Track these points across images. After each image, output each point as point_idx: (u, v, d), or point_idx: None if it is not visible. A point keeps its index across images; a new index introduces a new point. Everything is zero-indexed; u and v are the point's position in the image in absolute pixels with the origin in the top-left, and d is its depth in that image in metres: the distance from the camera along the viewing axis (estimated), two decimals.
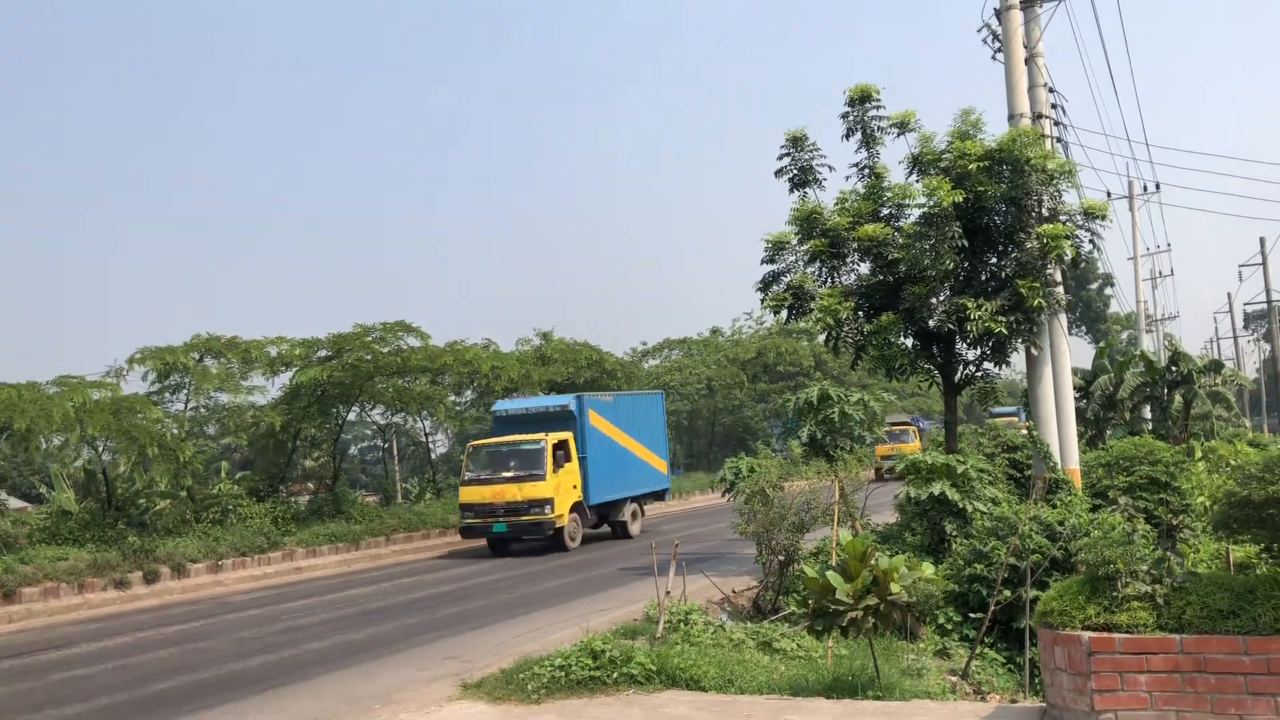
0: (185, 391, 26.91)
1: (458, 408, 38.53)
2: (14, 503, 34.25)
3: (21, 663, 13.66)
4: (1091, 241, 17.30)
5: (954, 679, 11.24)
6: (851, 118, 17.72)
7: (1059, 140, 19.66)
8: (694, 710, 8.15)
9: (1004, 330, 16.07)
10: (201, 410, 29.58)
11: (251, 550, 22.69)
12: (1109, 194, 40.91)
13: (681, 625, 11.12)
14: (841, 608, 8.57)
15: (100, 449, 23.40)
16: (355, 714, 9.06)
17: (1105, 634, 6.45)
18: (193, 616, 17.07)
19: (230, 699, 10.46)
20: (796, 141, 17.95)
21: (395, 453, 46.47)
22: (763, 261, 17.90)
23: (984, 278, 16.96)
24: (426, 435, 41.14)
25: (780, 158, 18.06)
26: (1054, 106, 19.63)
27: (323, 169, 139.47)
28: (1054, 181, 16.72)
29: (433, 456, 43.27)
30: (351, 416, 32.86)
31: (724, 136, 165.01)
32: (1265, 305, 57.10)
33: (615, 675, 9.15)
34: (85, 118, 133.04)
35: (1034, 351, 17.35)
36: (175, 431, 24.48)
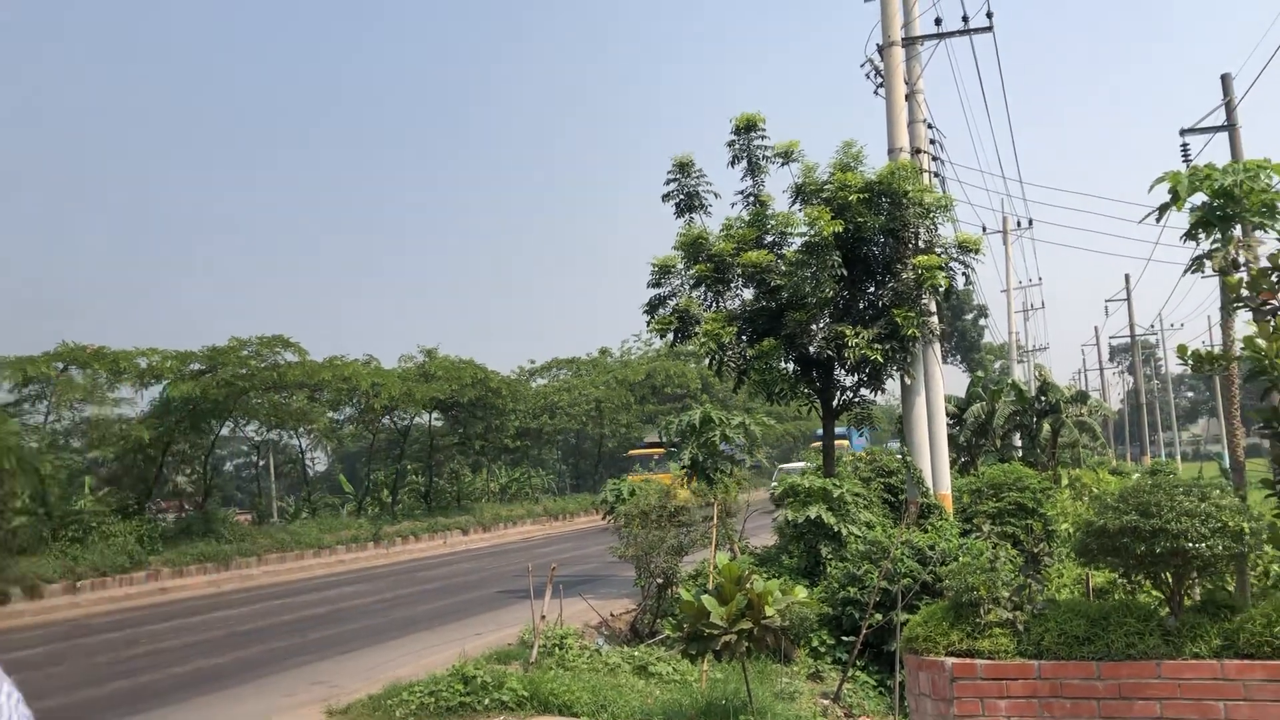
0: (47, 402, 25.72)
1: (336, 425, 37.72)
2: None
3: None
4: (965, 274, 17.85)
5: (826, 702, 11.37)
6: (737, 146, 17.96)
7: (936, 175, 20.25)
8: None
9: (880, 358, 16.43)
10: (65, 422, 28.31)
11: (113, 570, 21.76)
12: (984, 228, 42.50)
13: (557, 649, 11.01)
14: (716, 631, 8.57)
15: None
16: None
17: (968, 660, 6.61)
18: (44, 640, 16.24)
19: None
20: (683, 167, 18.10)
21: (271, 470, 45.27)
22: (649, 284, 17.99)
23: (862, 306, 17.34)
24: (303, 453, 40.13)
25: (668, 183, 18.20)
26: (933, 142, 20.24)
27: (202, 176, 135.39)
28: (930, 215, 17.21)
29: (310, 475, 42.21)
30: (225, 432, 31.85)
31: (619, 158, 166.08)
32: (1129, 339, 59.87)
33: (487, 701, 9.00)
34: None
35: (908, 380, 17.77)
36: (35, 445, 23.36)
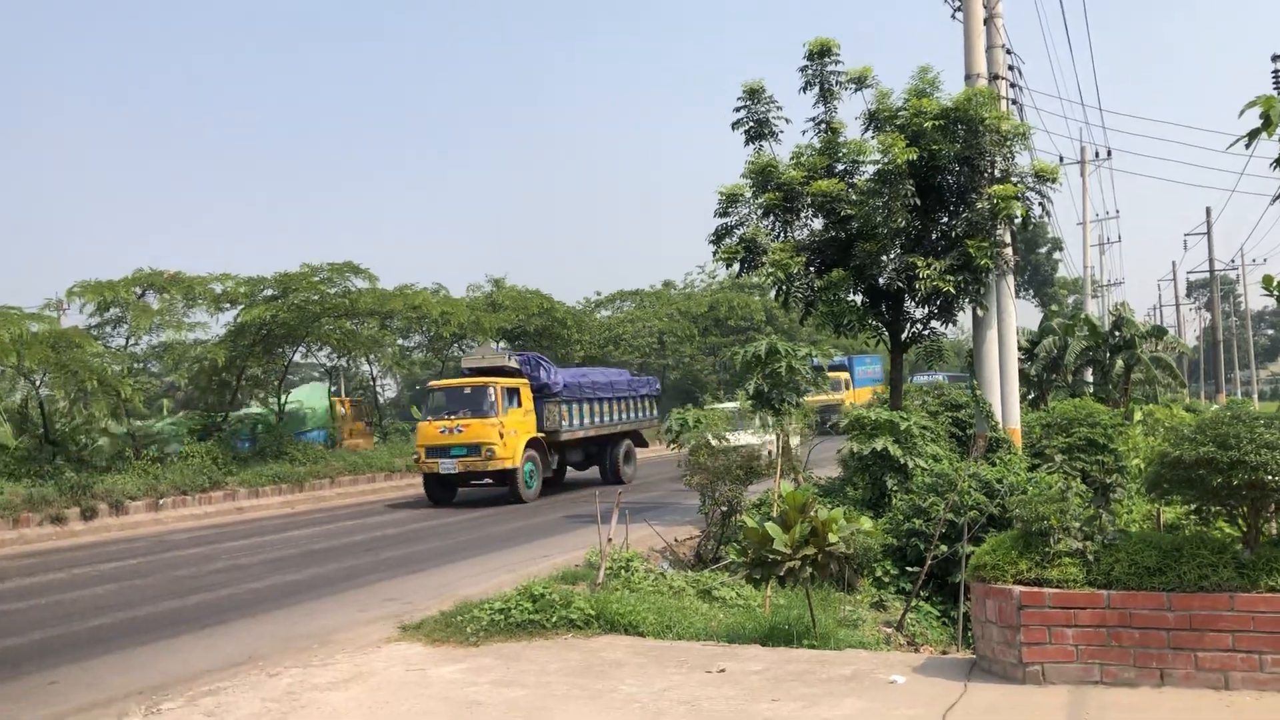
0: (126, 327, 26.41)
1: (405, 353, 38.25)
2: None
3: None
4: (1041, 204, 17.42)
5: (889, 630, 11.43)
6: (810, 72, 17.62)
7: (1014, 102, 19.74)
8: (631, 655, 8.21)
9: (952, 289, 16.18)
10: (143, 347, 29.09)
11: (192, 489, 22.45)
12: (1061, 158, 41.41)
13: (622, 572, 11.17)
14: (779, 557, 8.65)
15: (38, 383, 22.93)
16: (292, 653, 9.02)
17: (1035, 588, 6.58)
18: (130, 554, 16.87)
19: (166, 636, 10.37)
20: (753, 94, 17.82)
21: (342, 395, 46.16)
22: (716, 214, 17.83)
23: (934, 236, 17.03)
24: (374, 379, 40.83)
25: (737, 109, 17.94)
26: (1011, 68, 19.69)
27: (278, 106, 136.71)
28: (1007, 143, 16.78)
29: (380, 401, 42.97)
30: (298, 358, 32.50)
31: (684, 89, 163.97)
32: (1208, 274, 58.23)
33: (554, 619, 9.18)
34: (18, 44, 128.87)
35: (980, 312, 17.52)
36: (116, 368, 24.05)
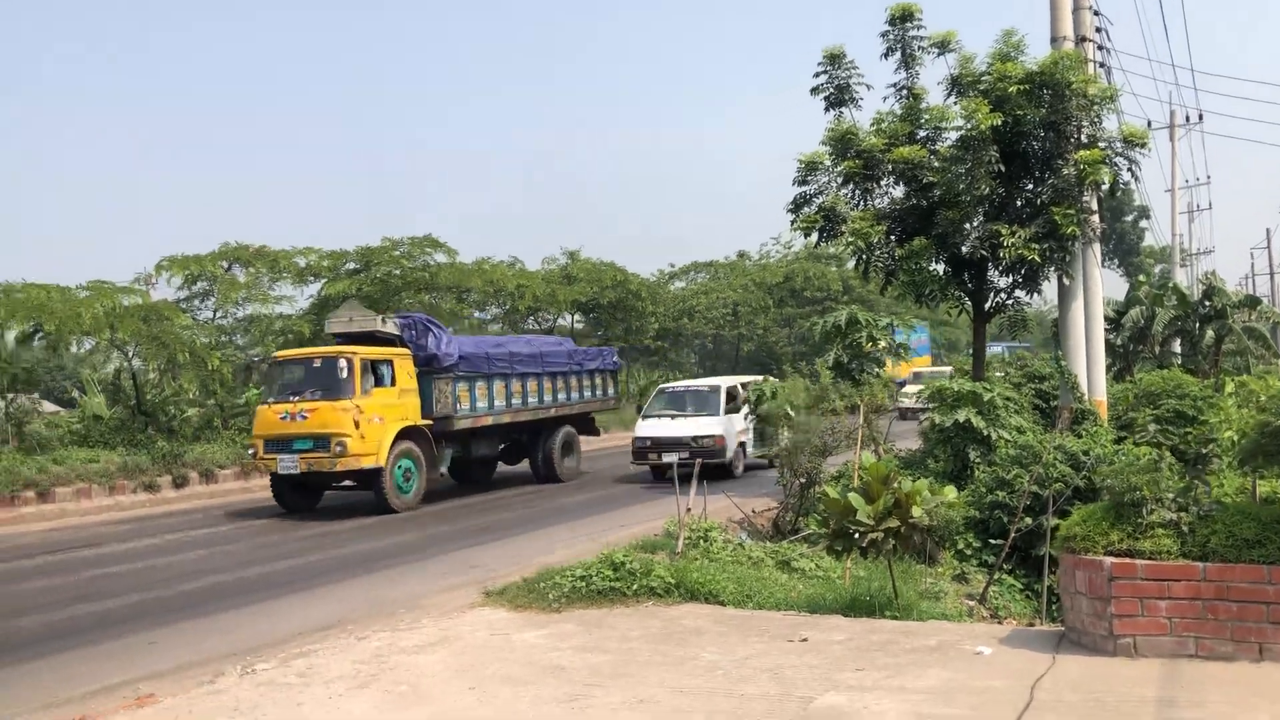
0: (213, 300, 27.06)
1: (482, 325, 38.61)
2: (47, 406, 34.76)
3: (56, 559, 13.98)
4: (1130, 170, 17.00)
5: (971, 603, 11.32)
6: (891, 36, 17.34)
7: (1101, 65, 19.20)
8: (712, 623, 8.24)
9: (1037, 258, 15.86)
10: (230, 319, 29.79)
11: None
12: (1150, 123, 40.15)
13: (701, 542, 11.20)
14: (862, 529, 8.59)
15: (130, 354, 23.63)
16: (379, 617, 9.21)
17: (1128, 560, 6.45)
18: (220, 521, 17.34)
19: (257, 600, 10.67)
20: (834, 59, 17.58)
21: None
22: (795, 182, 17.66)
23: (1019, 204, 16.70)
24: None
25: (817, 75, 17.73)
26: (1098, 30, 19.15)
27: (357, 82, 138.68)
28: (1094, 107, 16.36)
29: None
30: None
31: (758, 56, 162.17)
32: None
33: (635, 587, 9.24)
34: (119, 24, 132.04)
35: (1066, 281, 17.15)
36: (203, 340, 24.67)
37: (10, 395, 21.66)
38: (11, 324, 20.46)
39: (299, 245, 27.36)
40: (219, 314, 27.88)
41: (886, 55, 17.46)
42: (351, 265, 26.77)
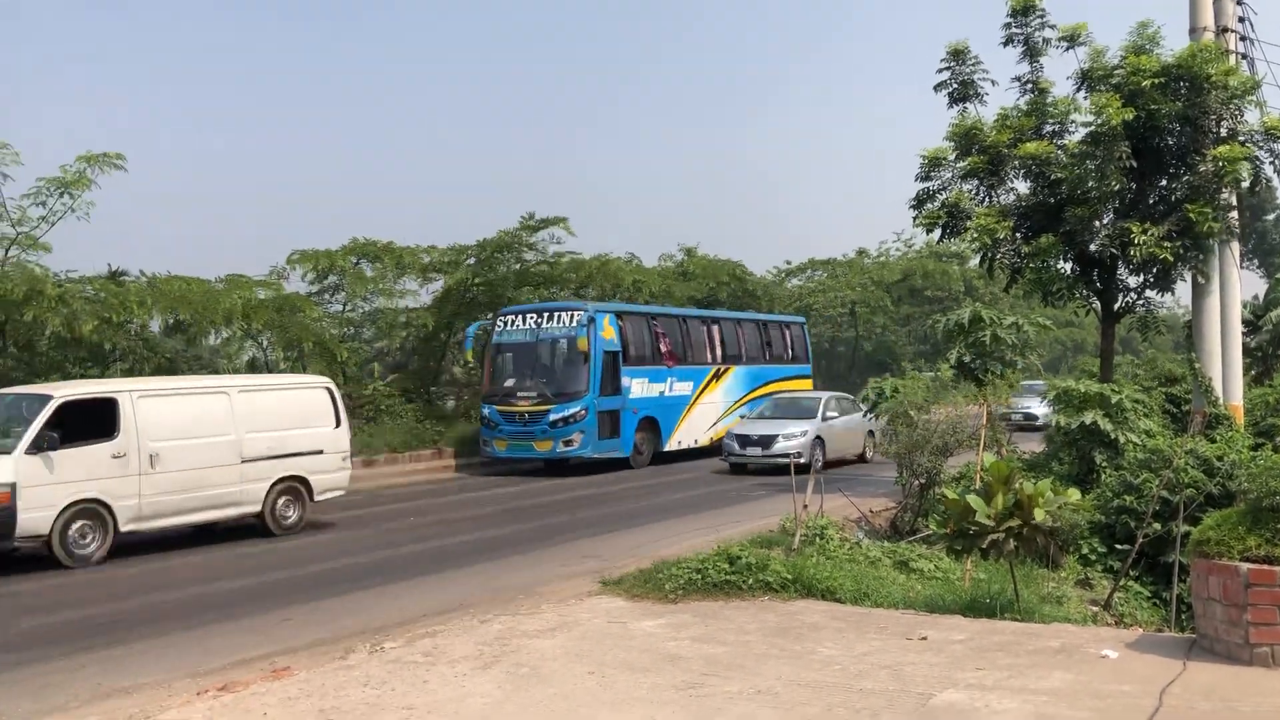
0: (343, 294, 27.91)
1: None
2: None
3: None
4: (1273, 164, 16.29)
5: (1095, 609, 11.05)
6: (1013, 28, 17.00)
7: (1244, 56, 18.42)
8: (829, 619, 8.24)
9: (1170, 256, 15.36)
10: (358, 313, 30.69)
11: (402, 448, 23.58)
12: None
13: (818, 539, 11.17)
14: (982, 529, 8.47)
15: (264, 344, 24.56)
16: (500, 602, 9.45)
17: (1266, 566, 6.25)
18: (346, 507, 17.88)
19: (382, 582, 11.04)
20: (958, 54, 17.32)
21: None
22: (917, 178, 17.46)
23: (1151, 201, 16.20)
24: None
25: (940, 71, 17.49)
26: (1241, 20, 18.36)
27: (477, 83, 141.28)
28: (1235, 100, 15.74)
29: None
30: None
31: (877, 53, 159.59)
32: None
33: (751, 581, 9.29)
34: (243, 24, 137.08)
35: (1201, 280, 16.54)
36: (333, 331, 25.50)
37: None
38: (155, 314, 21.46)
39: (422, 244, 28.11)
40: (347, 307, 28.75)
41: (1006, 44, 17.14)
42: (472, 260, 27.32)
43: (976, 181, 17.05)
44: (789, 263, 53.12)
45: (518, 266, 26.94)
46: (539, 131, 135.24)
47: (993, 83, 17.42)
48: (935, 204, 17.20)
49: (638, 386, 23.15)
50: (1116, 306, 17.21)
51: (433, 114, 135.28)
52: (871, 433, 21.72)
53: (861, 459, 22.57)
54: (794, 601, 8.98)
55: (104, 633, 9.10)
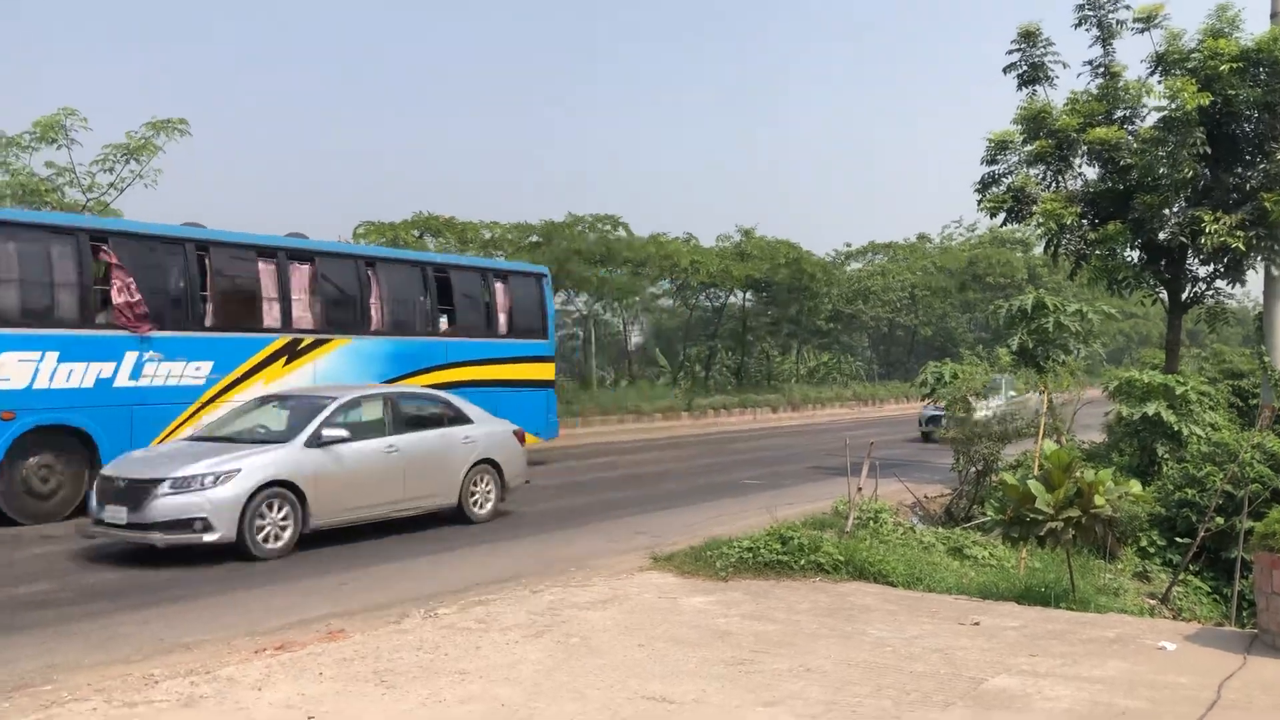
0: None
1: (655, 299, 38.96)
2: None
3: None
4: None
5: (1153, 602, 10.90)
6: (1086, 10, 16.67)
7: None
8: (881, 602, 8.21)
9: (1242, 246, 15.03)
10: None
11: None
12: None
13: (871, 523, 11.12)
14: (1041, 517, 8.38)
15: None
16: (552, 574, 9.53)
17: None
18: None
19: (435, 551, 11.16)
20: (1029, 36, 17.02)
21: (592, 341, 47.79)
22: (983, 161, 17.22)
23: (1225, 189, 15.81)
24: (626, 325, 41.97)
25: (1010, 53, 17.19)
26: None
27: (544, 62, 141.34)
28: None
29: (628, 347, 44.09)
30: (558, 304, 33.88)
31: (944, 34, 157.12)
32: None
33: (802, 562, 9.28)
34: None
35: (1275, 271, 16.18)
36: None
37: None
38: None
39: (485, 219, 28.32)
40: None
41: (1079, 25, 16.82)
42: (535, 238, 27.51)
43: (1043, 166, 16.79)
44: (849, 245, 52.72)
45: (577, 249, 27.07)
46: (604, 114, 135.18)
47: (1064, 65, 17.12)
48: (1001, 188, 16.96)
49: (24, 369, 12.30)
50: (1184, 297, 16.89)
51: (516, 93, 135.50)
52: (495, 465, 12.85)
53: (463, 515, 12.63)
54: (845, 583, 8.96)
55: (170, 588, 9.33)
